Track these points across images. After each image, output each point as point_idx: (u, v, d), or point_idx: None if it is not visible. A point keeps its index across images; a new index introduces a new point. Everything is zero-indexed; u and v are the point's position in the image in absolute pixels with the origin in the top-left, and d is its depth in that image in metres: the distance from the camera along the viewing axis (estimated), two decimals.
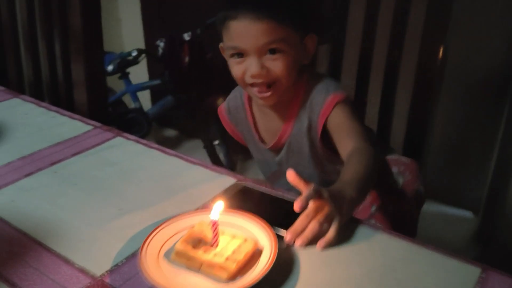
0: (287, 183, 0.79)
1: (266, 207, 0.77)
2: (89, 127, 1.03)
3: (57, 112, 1.11)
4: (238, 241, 0.65)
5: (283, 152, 1.00)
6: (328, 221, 0.67)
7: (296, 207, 0.66)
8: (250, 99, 1.01)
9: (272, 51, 0.86)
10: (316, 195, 0.67)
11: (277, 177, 1.07)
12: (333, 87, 0.93)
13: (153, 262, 0.63)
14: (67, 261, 0.65)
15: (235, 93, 1.05)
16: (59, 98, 1.25)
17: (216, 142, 2.22)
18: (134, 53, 2.17)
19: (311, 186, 0.67)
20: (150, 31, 2.52)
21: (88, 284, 0.61)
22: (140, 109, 2.37)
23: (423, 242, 0.68)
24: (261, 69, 0.86)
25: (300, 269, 0.63)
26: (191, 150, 2.51)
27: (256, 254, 0.64)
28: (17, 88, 1.34)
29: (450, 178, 1.98)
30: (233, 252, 0.62)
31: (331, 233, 0.67)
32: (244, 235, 0.66)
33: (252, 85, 0.89)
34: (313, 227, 0.67)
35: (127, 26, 2.69)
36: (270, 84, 0.88)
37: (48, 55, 1.25)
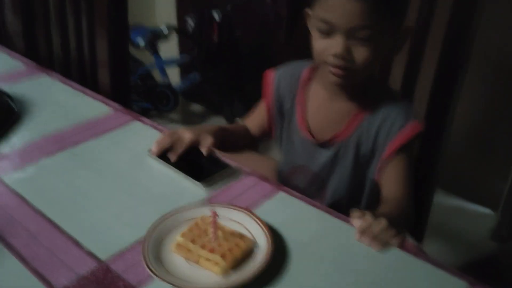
0: (303, 179, 0.94)
1: (194, 160, 0.89)
2: (110, 109, 1.07)
3: (82, 91, 1.15)
4: (236, 238, 0.68)
5: (330, 152, 0.94)
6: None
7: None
8: (308, 81, 0.97)
9: (363, 37, 0.81)
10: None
11: (299, 172, 1.01)
12: (412, 113, 0.91)
13: (154, 252, 0.66)
14: (76, 243, 0.70)
15: (290, 69, 1.00)
16: (86, 76, 1.29)
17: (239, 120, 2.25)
18: (164, 29, 2.20)
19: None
20: (182, 6, 2.53)
21: (93, 268, 0.66)
22: (168, 84, 2.41)
23: (415, 251, 0.70)
24: (346, 51, 0.82)
25: (292, 270, 0.66)
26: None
27: (251, 252, 0.67)
28: (48, 63, 1.39)
29: (470, 173, 1.96)
30: (230, 249, 0.66)
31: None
32: (242, 233, 0.69)
33: (329, 63, 0.85)
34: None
35: (161, 0, 2.71)
36: (347, 69, 0.84)
37: (75, 31, 1.28)
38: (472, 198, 1.98)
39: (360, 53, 0.82)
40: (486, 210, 1.94)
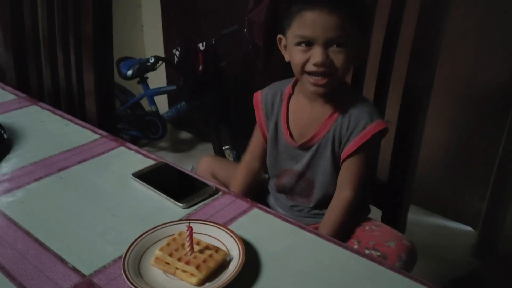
0: (291, 180, 1.07)
1: (175, 182, 0.98)
2: (97, 136, 1.13)
3: (71, 120, 1.21)
4: (211, 250, 0.73)
5: (310, 152, 1.07)
6: None
7: None
8: (289, 95, 1.09)
9: (338, 44, 0.95)
10: None
11: (287, 174, 1.12)
12: (377, 114, 1.03)
13: (134, 266, 0.71)
14: (62, 260, 0.74)
15: (274, 87, 1.13)
16: (74, 106, 1.35)
17: (226, 147, 2.31)
18: (152, 60, 2.28)
19: None
20: (170, 39, 2.63)
21: (77, 282, 0.70)
22: (156, 112, 2.48)
23: (380, 261, 0.75)
24: (325, 59, 0.95)
25: (264, 280, 0.71)
26: (203, 152, 2.61)
27: (225, 263, 0.72)
28: (38, 95, 1.45)
29: (449, 192, 2.01)
30: (205, 260, 0.70)
31: None
32: (216, 246, 0.74)
33: (310, 73, 0.98)
34: None
35: (149, 33, 2.81)
36: (327, 75, 0.97)
37: (64, 65, 1.35)
38: (452, 216, 2.03)
39: (338, 58, 0.96)
40: (467, 228, 1.99)
